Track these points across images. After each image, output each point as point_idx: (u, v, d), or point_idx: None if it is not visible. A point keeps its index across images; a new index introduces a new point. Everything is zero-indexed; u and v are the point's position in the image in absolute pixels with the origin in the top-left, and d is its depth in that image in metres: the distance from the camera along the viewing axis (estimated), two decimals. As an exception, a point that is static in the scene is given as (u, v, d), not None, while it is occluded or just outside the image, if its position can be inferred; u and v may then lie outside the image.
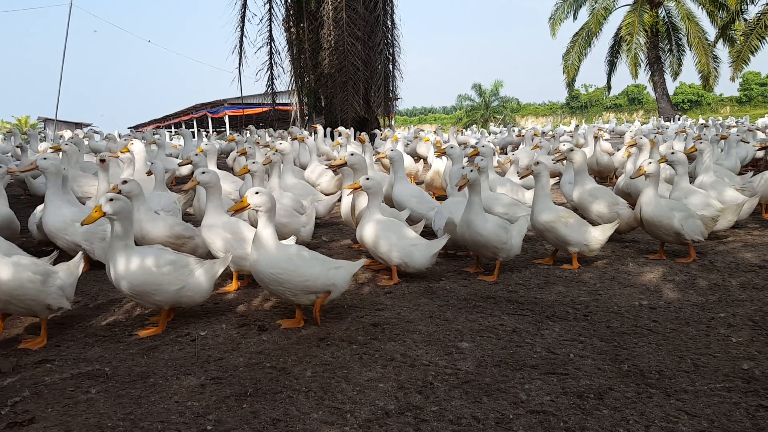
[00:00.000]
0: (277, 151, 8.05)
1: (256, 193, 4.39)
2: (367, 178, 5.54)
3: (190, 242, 5.77)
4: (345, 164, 6.16)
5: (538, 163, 6.00)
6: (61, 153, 8.95)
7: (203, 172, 5.52)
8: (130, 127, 54.17)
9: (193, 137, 19.45)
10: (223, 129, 43.75)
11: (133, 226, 4.46)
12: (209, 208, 5.41)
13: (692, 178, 8.71)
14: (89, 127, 36.18)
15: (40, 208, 6.54)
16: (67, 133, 18.90)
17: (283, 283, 4.26)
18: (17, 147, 12.25)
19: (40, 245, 7.11)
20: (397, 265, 5.50)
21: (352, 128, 17.24)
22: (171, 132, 42.61)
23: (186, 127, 38.40)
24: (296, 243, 6.55)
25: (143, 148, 8.74)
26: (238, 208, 4.43)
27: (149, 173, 7.49)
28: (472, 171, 5.55)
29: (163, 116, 55.63)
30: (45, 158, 6.24)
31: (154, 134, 16.05)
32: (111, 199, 4.29)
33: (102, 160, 7.18)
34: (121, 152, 8.16)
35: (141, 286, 4.24)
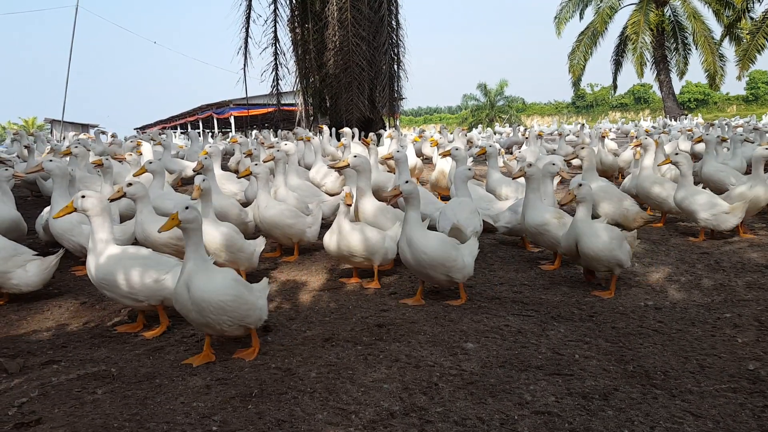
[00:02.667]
0: (280, 150, 8.07)
1: (191, 208, 3.88)
2: (360, 187, 5.48)
3: None
4: (348, 166, 6.16)
5: (531, 164, 5.86)
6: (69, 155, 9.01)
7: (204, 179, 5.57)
8: (137, 128, 54.29)
9: (199, 138, 19.50)
10: (228, 129, 43.84)
11: (110, 223, 4.45)
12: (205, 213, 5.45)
13: (698, 177, 8.70)
14: (96, 128, 36.34)
15: (47, 209, 6.58)
16: (71, 135, 19.04)
17: (228, 312, 3.80)
18: (24, 147, 12.29)
19: (47, 246, 7.15)
20: (380, 264, 5.55)
21: (356, 129, 17.22)
22: (177, 132, 42.80)
23: (192, 128, 38.58)
24: (300, 245, 6.62)
25: (150, 149, 8.82)
26: (169, 228, 3.89)
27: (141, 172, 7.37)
28: (407, 182, 4.93)
29: (169, 117, 55.69)
30: (51, 160, 6.27)
31: (160, 134, 16.10)
32: (83, 196, 4.36)
33: (99, 164, 7.23)
34: (128, 155, 8.22)
35: (112, 279, 4.27)
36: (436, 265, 4.78)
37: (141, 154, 8.29)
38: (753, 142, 11.73)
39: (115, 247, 4.42)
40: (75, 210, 4.38)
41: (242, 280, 4.01)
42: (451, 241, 4.96)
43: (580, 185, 5.06)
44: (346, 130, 14.23)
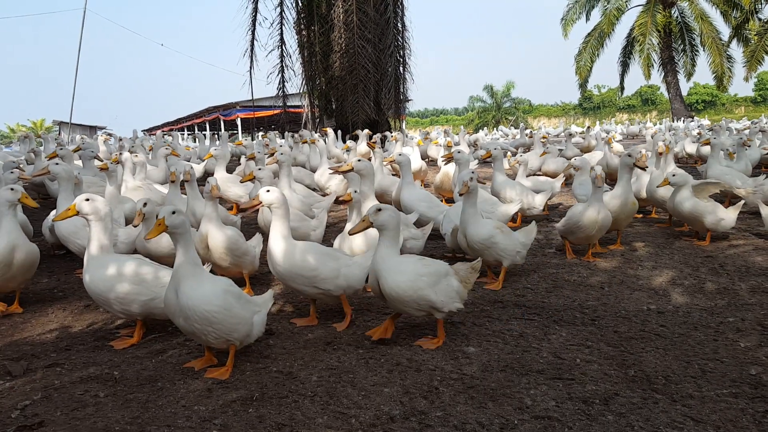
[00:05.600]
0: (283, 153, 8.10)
1: (177, 212, 3.69)
2: (356, 191, 5.40)
3: None
4: (352, 170, 6.17)
5: (472, 178, 5.33)
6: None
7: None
8: (144, 130, 54.50)
9: (206, 139, 19.61)
10: (235, 131, 43.99)
11: (111, 230, 4.33)
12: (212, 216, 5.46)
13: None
14: (103, 130, 36.54)
15: (54, 212, 6.62)
16: (77, 138, 19.23)
17: (213, 324, 3.62)
18: (31, 152, 12.38)
19: (53, 248, 7.22)
20: None
21: (368, 131, 17.26)
22: (184, 134, 42.94)
23: (199, 130, 38.81)
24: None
25: (129, 157, 8.89)
26: (157, 233, 3.69)
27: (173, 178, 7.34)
28: (268, 191, 4.54)
29: (176, 119, 55.99)
30: (57, 163, 6.32)
31: (164, 136, 16.19)
32: (87, 199, 4.27)
33: (105, 168, 7.30)
34: (112, 161, 8.38)
35: (103, 289, 4.16)
36: (295, 277, 4.44)
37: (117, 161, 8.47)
38: (750, 146, 11.70)
39: (114, 257, 4.27)
40: (77, 213, 4.27)
41: (236, 292, 3.78)
42: (319, 254, 4.49)
43: (379, 210, 4.06)
44: (361, 132, 14.28)
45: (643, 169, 6.68)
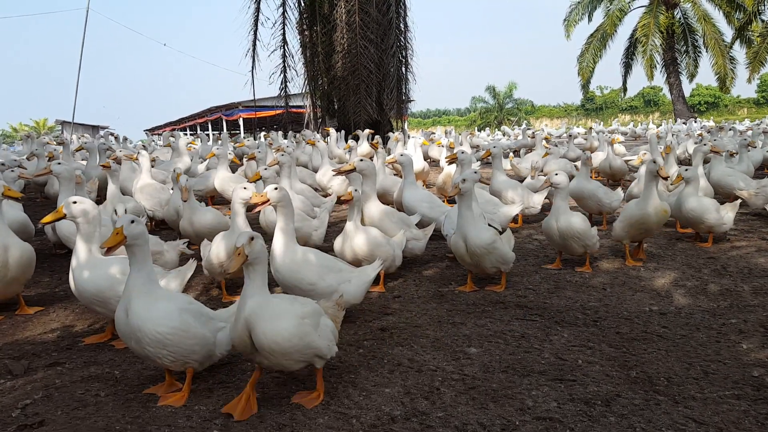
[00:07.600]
0: (285, 153, 8.11)
1: (137, 222, 3.39)
2: (356, 190, 5.36)
3: (160, 258, 5.58)
4: (354, 170, 6.16)
5: (465, 180, 5.15)
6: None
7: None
8: (146, 130, 54.51)
9: (209, 140, 19.65)
10: (237, 131, 44.02)
11: (98, 231, 4.25)
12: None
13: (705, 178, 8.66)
14: (106, 130, 36.58)
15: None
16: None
17: (168, 347, 3.31)
18: (32, 154, 12.39)
19: (55, 248, 7.23)
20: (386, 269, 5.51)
21: (369, 130, 17.24)
22: (186, 134, 42.98)
23: (201, 130, 38.89)
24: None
25: (147, 158, 8.87)
26: (113, 244, 3.32)
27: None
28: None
29: (178, 119, 55.94)
30: (59, 163, 6.32)
31: (170, 137, 16.23)
32: (74, 202, 4.22)
33: (107, 166, 7.31)
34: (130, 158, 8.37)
35: (92, 292, 4.09)
36: (293, 288, 4.43)
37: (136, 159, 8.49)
38: (755, 147, 11.68)
39: (100, 261, 4.18)
40: (65, 216, 4.19)
41: (194, 309, 3.46)
42: (319, 266, 4.45)
43: (252, 239, 3.23)
44: (360, 132, 14.27)
45: (665, 179, 6.11)
